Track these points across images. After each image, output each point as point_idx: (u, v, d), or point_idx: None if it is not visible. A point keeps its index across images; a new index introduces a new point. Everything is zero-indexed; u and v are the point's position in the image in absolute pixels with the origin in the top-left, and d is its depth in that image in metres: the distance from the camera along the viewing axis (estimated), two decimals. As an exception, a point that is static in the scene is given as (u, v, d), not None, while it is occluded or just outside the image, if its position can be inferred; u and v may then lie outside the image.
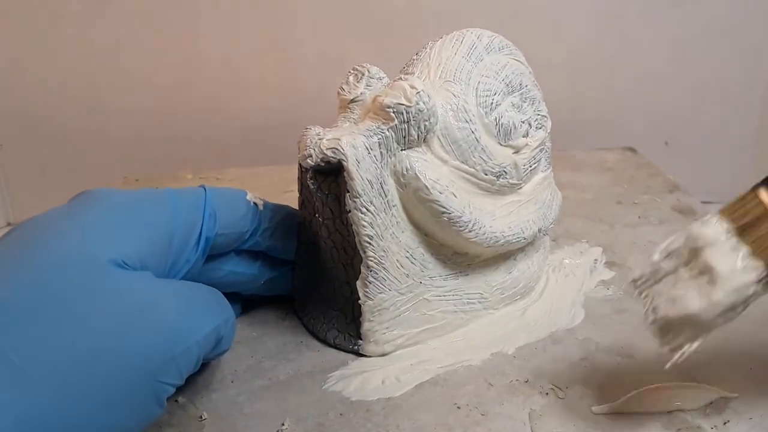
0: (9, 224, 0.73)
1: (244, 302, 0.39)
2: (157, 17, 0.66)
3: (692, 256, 0.27)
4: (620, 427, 0.29)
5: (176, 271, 0.31)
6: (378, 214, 0.33)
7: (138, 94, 0.69)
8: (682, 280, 0.27)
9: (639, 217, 0.51)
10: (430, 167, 0.34)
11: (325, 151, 0.32)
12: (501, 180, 0.36)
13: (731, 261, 0.26)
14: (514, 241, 0.37)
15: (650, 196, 0.54)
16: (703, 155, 0.69)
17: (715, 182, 0.68)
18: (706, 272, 0.26)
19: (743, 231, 0.27)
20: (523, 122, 0.37)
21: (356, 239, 0.33)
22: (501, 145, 0.36)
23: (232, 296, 0.36)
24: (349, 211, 0.32)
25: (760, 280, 0.26)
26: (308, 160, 0.33)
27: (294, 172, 0.37)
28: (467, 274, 0.37)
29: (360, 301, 0.34)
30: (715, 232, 0.27)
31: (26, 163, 0.70)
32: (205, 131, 0.71)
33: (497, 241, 0.36)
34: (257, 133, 0.71)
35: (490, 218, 0.36)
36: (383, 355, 0.35)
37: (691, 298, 0.26)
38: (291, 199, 0.41)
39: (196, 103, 0.70)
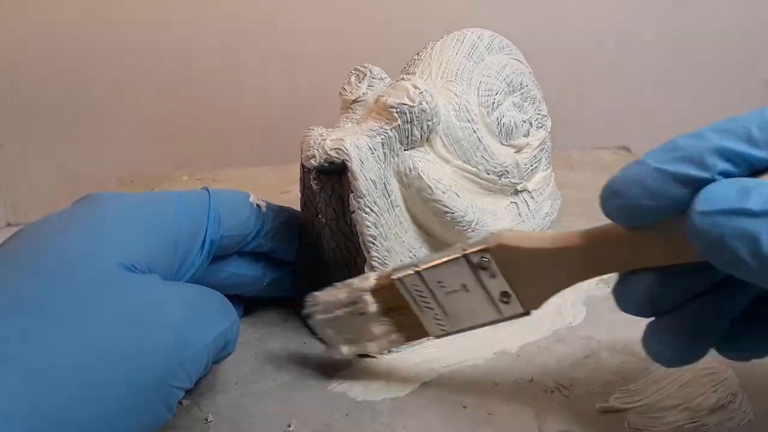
0: (9, 224, 0.72)
1: (246, 304, 0.39)
2: (156, 18, 0.66)
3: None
4: (626, 425, 0.29)
5: (181, 274, 0.31)
6: (381, 215, 0.33)
7: (135, 95, 0.69)
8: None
9: (637, 215, 0.51)
10: (432, 167, 0.34)
11: (328, 152, 0.32)
12: (503, 179, 0.36)
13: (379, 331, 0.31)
14: (515, 240, 0.37)
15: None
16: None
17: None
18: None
19: (388, 312, 0.31)
20: (525, 122, 0.37)
21: (360, 239, 0.33)
22: (503, 144, 0.36)
23: (234, 298, 0.36)
24: (353, 211, 0.32)
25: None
26: (311, 161, 0.33)
27: (291, 173, 0.37)
28: (469, 274, 0.37)
29: (363, 302, 0.34)
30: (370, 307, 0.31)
31: (26, 163, 0.70)
32: (201, 132, 0.71)
33: (499, 241, 0.36)
34: (254, 133, 0.71)
35: (492, 218, 0.36)
36: (387, 355, 0.35)
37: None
38: (288, 199, 0.41)
39: (193, 104, 0.70)
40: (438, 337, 0.31)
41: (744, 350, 0.25)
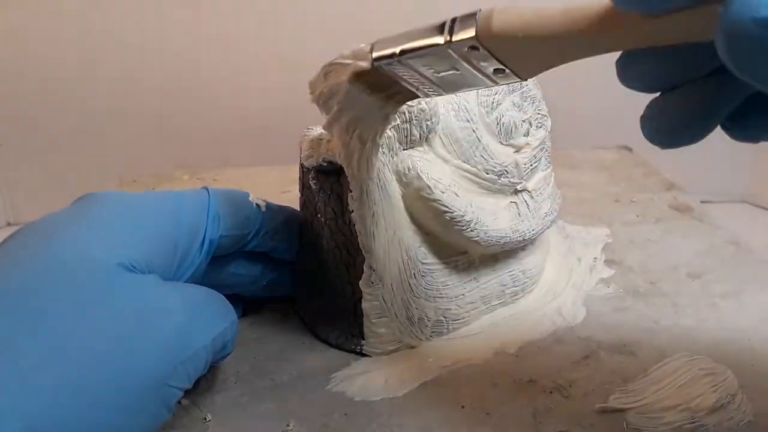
0: (9, 224, 0.72)
1: (246, 303, 0.39)
2: (156, 17, 0.66)
3: None
4: (625, 425, 0.29)
5: (181, 274, 0.31)
6: (380, 214, 0.33)
7: (136, 94, 0.69)
8: None
9: (637, 215, 0.51)
10: (431, 167, 0.34)
11: (327, 152, 0.32)
12: (502, 179, 0.36)
13: None
14: (515, 240, 0.37)
15: (647, 195, 0.54)
16: (703, 155, 0.70)
17: (715, 182, 0.68)
18: None
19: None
20: (524, 121, 0.37)
21: (359, 239, 0.33)
22: (502, 144, 0.36)
23: (233, 297, 0.36)
24: (352, 211, 0.32)
25: None
26: (310, 160, 0.33)
27: (291, 173, 0.37)
28: (468, 273, 0.37)
29: (362, 301, 0.34)
30: None
31: (26, 163, 0.70)
32: (202, 131, 0.71)
33: (499, 241, 0.36)
34: (255, 133, 0.71)
35: (491, 218, 0.36)
36: (386, 354, 0.35)
37: None
38: (288, 199, 0.41)
39: (193, 104, 0.70)
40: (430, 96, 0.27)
41: (751, 128, 0.22)
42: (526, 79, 0.25)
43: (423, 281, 0.35)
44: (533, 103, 0.38)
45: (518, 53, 0.23)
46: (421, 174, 0.33)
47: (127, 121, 0.70)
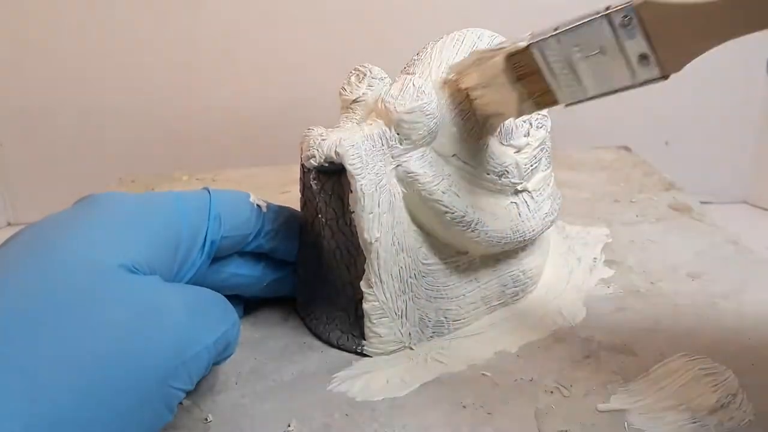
0: (9, 224, 0.72)
1: (246, 304, 0.39)
2: (155, 17, 0.66)
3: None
4: (626, 425, 0.29)
5: (182, 275, 0.31)
6: (381, 214, 0.33)
7: (135, 95, 0.69)
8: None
9: (636, 215, 0.51)
10: (432, 167, 0.34)
11: (328, 152, 0.32)
12: (503, 179, 0.36)
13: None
14: (515, 240, 0.37)
15: (647, 195, 0.55)
16: (703, 155, 0.70)
17: (715, 182, 0.68)
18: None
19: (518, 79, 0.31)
20: (524, 122, 0.37)
21: (359, 239, 0.33)
22: (503, 144, 0.36)
23: (234, 297, 0.36)
24: (353, 211, 0.32)
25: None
26: (311, 161, 0.33)
27: (290, 173, 0.37)
28: (469, 274, 0.37)
29: (363, 302, 0.34)
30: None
31: (26, 163, 0.70)
32: (201, 132, 0.71)
33: (499, 241, 0.36)
34: (254, 133, 0.71)
35: (492, 218, 0.36)
36: (387, 354, 0.35)
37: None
38: (288, 199, 0.41)
39: (192, 104, 0.70)
40: (568, 104, 0.31)
41: None
42: (668, 75, 0.28)
43: (424, 282, 0.35)
44: (534, 103, 0.38)
45: (670, 30, 0.26)
46: (421, 174, 0.33)
47: (126, 122, 0.70)
